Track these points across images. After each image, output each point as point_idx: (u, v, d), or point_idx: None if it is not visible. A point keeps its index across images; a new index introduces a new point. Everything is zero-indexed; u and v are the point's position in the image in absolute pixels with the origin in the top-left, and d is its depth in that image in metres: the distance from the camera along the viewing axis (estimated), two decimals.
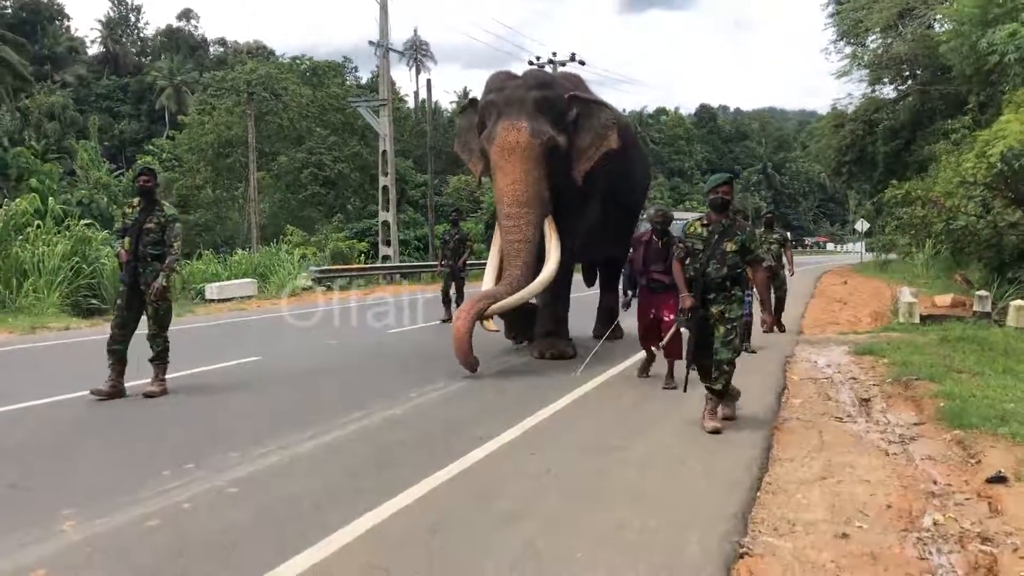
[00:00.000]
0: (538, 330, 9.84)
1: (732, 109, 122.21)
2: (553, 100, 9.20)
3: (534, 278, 8.77)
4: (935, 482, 4.74)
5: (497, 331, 9.09)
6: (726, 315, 5.95)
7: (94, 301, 16.07)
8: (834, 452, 5.36)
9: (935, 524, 4.04)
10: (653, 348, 7.90)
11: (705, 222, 6.08)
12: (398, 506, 4.28)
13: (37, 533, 3.93)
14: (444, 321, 13.22)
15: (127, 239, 7.36)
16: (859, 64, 31.89)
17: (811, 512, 4.21)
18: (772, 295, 11.47)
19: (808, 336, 11.85)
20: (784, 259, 12.12)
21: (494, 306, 8.53)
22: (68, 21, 69.77)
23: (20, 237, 16.09)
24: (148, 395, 7.26)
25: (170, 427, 6.29)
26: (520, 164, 8.80)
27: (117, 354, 7.30)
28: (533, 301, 9.58)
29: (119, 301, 7.47)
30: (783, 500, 4.41)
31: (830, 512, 4.19)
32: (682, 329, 6.48)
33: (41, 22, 64.06)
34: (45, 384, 7.87)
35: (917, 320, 12.43)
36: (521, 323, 11.17)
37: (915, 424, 6.17)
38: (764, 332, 9.34)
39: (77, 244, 16.29)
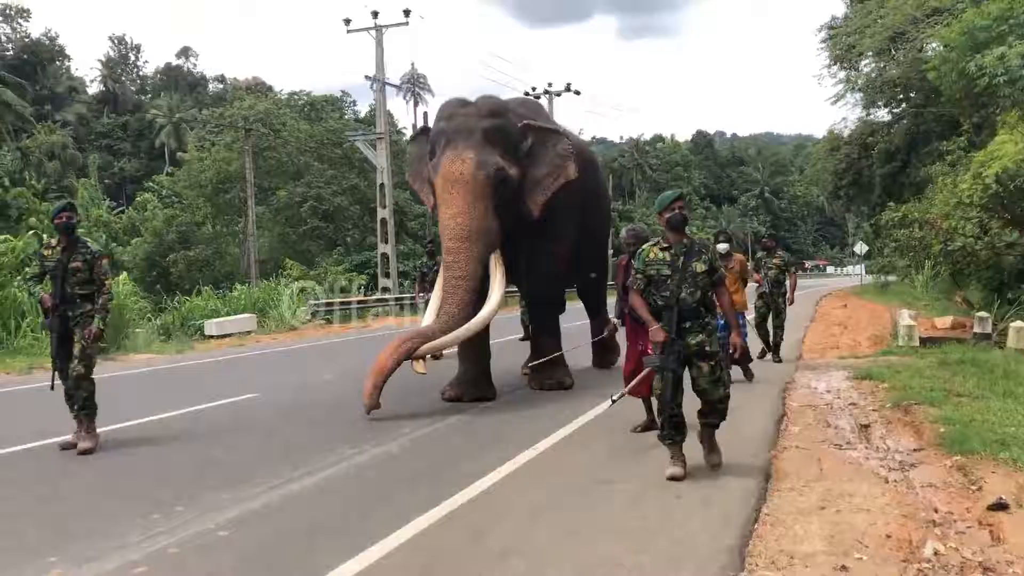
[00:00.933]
0: (533, 360, 9.61)
1: (728, 134, 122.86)
2: (505, 129, 8.80)
3: (472, 317, 8.23)
4: (936, 510, 4.66)
5: (425, 374, 8.31)
6: (707, 348, 5.31)
7: None
8: (833, 480, 5.29)
9: (936, 554, 3.96)
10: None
11: (664, 244, 5.40)
12: (390, 546, 4.21)
13: None
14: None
15: (48, 282, 6.87)
16: (853, 88, 32.09)
17: (809, 544, 4.13)
18: (768, 324, 11.48)
19: (807, 361, 11.79)
20: (786, 285, 11.47)
21: (425, 346, 8.03)
22: (68, 61, 70.25)
23: (19, 277, 16.07)
24: (83, 452, 6.57)
25: (162, 468, 6.22)
26: (463, 196, 8.35)
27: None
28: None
29: (52, 353, 6.91)
30: (781, 532, 4.33)
31: (829, 543, 4.11)
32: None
33: (42, 63, 64.53)
34: (34, 426, 7.81)
35: (917, 343, 12.37)
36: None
37: (915, 450, 6.09)
38: (734, 359, 7.70)
39: None
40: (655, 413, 5.55)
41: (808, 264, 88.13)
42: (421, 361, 8.12)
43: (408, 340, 7.97)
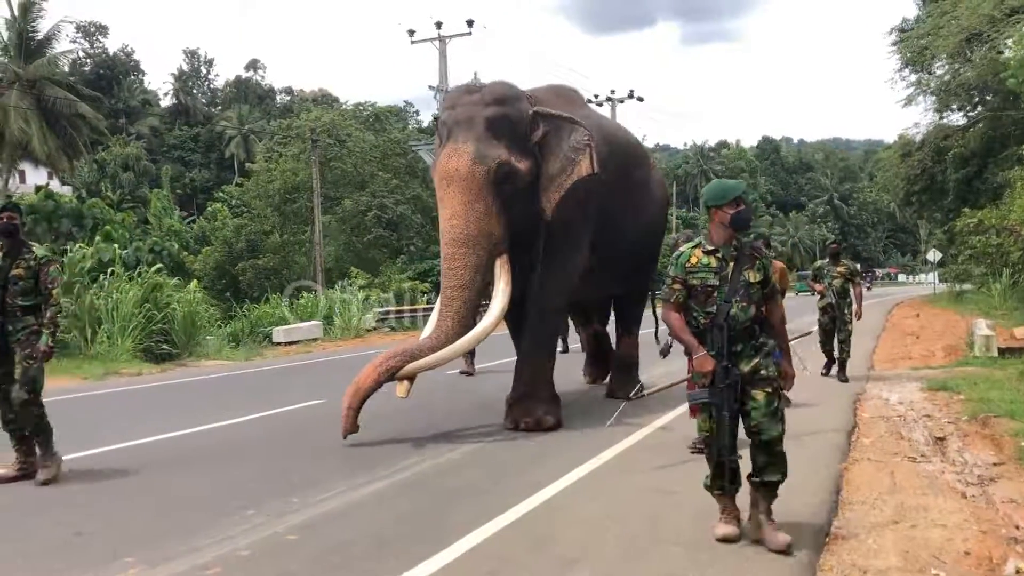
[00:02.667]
0: (512, 392, 8.04)
1: (796, 140, 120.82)
2: (512, 118, 7.73)
3: (468, 331, 7.41)
4: (1017, 527, 4.50)
5: (406, 397, 7.24)
6: (762, 373, 4.21)
7: (165, 346, 16.48)
8: (907, 494, 5.14)
9: (1018, 572, 3.82)
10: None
11: (710, 247, 4.32)
12: (455, 553, 4.22)
13: None
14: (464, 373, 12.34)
15: None
16: (925, 92, 31.26)
17: (883, 559, 4.02)
18: (835, 339, 10.48)
19: (879, 372, 11.49)
20: (851, 296, 10.48)
21: (411, 365, 7.14)
22: (142, 75, 72.55)
23: (95, 285, 16.62)
24: (44, 483, 5.90)
25: (233, 471, 6.36)
26: (460, 195, 7.41)
27: (15, 431, 6.12)
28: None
29: None
30: (853, 546, 4.22)
31: (903, 559, 3.99)
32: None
33: (117, 77, 66.76)
34: (111, 430, 8.03)
35: (995, 353, 11.96)
36: (597, 361, 10.85)
37: (994, 464, 5.88)
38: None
39: (149, 291, 16.75)
40: (706, 456, 4.45)
41: (879, 272, 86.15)
42: (406, 383, 7.19)
43: (392, 358, 7.15)
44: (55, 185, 37.04)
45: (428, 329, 7.60)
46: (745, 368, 4.20)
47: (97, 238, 20.37)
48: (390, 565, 4.04)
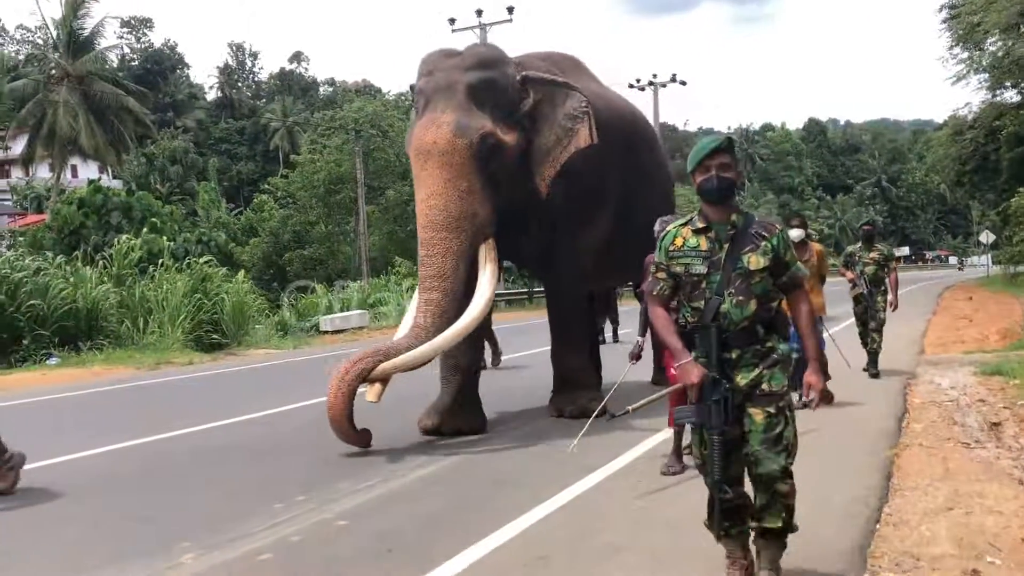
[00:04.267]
0: (555, 379, 7.84)
1: (842, 122, 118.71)
2: (497, 84, 6.93)
3: (447, 326, 6.52)
4: None
5: (377, 402, 6.38)
6: (763, 387, 3.30)
7: (215, 336, 16.76)
8: (961, 481, 5.05)
9: None
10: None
11: (699, 225, 3.39)
12: (504, 538, 4.25)
13: (159, 565, 4.08)
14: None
15: None
16: (977, 69, 30.52)
17: (937, 546, 3.95)
18: (866, 330, 9.44)
19: (930, 356, 11.28)
20: (886, 284, 9.45)
21: (385, 365, 6.30)
22: (188, 69, 73.66)
23: (145, 276, 16.96)
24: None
25: (285, 457, 6.47)
26: (439, 172, 6.62)
27: None
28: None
29: None
30: (905, 533, 4.17)
31: (958, 546, 3.93)
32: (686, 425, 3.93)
33: (163, 71, 67.84)
34: (163, 418, 8.20)
35: None
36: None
37: None
38: (803, 406, 6.68)
39: (198, 281, 17.04)
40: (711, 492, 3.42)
41: (929, 255, 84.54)
42: (377, 386, 6.34)
43: (362, 360, 6.31)
44: (106, 179, 37.76)
45: (405, 325, 6.86)
46: (742, 381, 3.28)
47: (144, 230, 20.74)
48: (439, 549, 4.08)
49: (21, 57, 52.69)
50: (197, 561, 4.11)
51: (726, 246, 3.30)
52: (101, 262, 17.17)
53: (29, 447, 6.07)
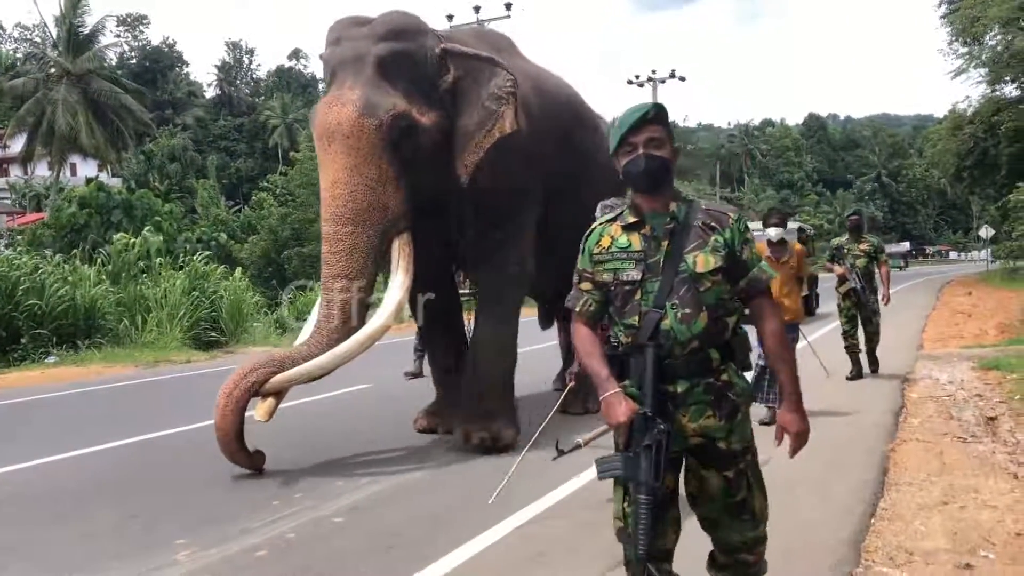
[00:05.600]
0: (465, 395, 6.52)
1: (842, 117, 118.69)
2: (413, 57, 6.02)
3: (352, 333, 5.74)
4: None
5: (268, 420, 5.56)
6: (719, 442, 2.58)
7: (213, 334, 16.75)
8: (956, 475, 5.06)
9: None
10: None
11: (631, 220, 2.64)
12: (501, 533, 4.28)
13: (157, 561, 4.09)
14: None
15: None
16: (976, 64, 30.48)
17: (931, 540, 3.97)
18: (853, 327, 8.84)
19: (929, 351, 11.29)
20: (877, 278, 8.91)
21: (279, 377, 5.52)
22: (186, 67, 73.58)
23: (144, 275, 16.95)
24: None
25: (282, 455, 6.46)
26: (345, 157, 5.76)
27: None
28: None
29: None
30: (900, 527, 4.18)
31: (952, 540, 3.94)
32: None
33: (162, 69, 67.81)
34: (161, 416, 8.21)
35: None
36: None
37: None
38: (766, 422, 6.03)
39: (196, 279, 17.02)
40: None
41: (930, 250, 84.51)
42: (270, 401, 5.54)
43: (253, 371, 5.54)
44: (104, 177, 37.75)
45: (306, 331, 6.05)
46: (691, 423, 2.51)
47: (147, 229, 20.76)
48: (439, 544, 4.10)
49: (19, 56, 52.63)
50: (192, 558, 4.13)
51: (665, 244, 2.54)
52: (99, 260, 17.17)
53: (28, 445, 6.10)
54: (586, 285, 2.67)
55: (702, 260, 2.52)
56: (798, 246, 7.26)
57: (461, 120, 6.14)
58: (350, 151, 5.76)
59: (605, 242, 2.64)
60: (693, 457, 2.60)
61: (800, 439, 2.65)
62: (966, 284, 29.79)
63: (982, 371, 9.04)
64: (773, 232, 6.83)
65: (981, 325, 14.40)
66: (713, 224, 2.58)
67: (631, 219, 2.61)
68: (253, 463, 5.72)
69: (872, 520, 4.32)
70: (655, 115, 2.57)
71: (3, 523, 4.91)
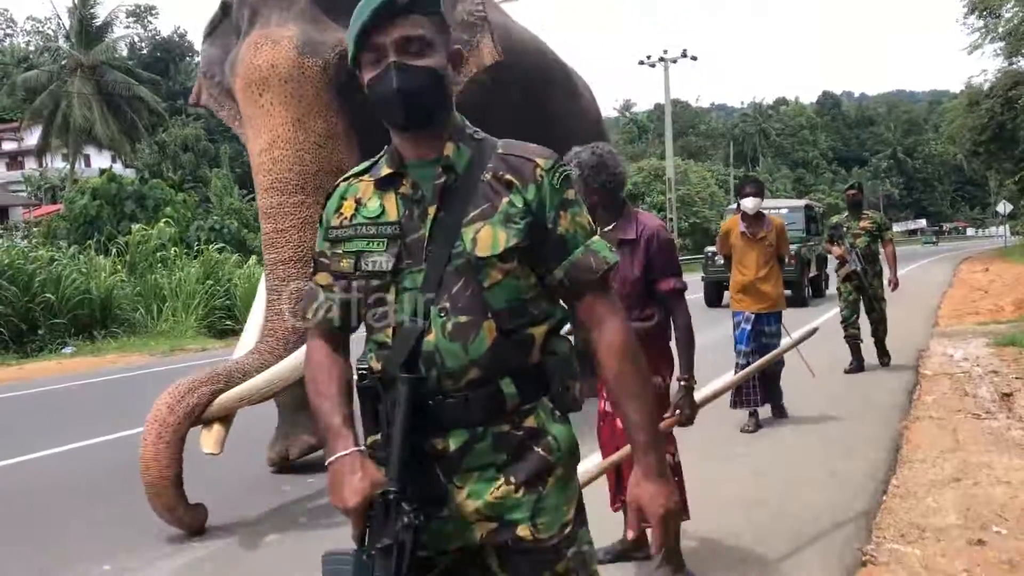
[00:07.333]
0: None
1: (856, 94, 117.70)
2: None
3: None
4: None
5: (219, 453, 4.32)
6: (520, 533, 1.57)
7: (228, 322, 16.83)
8: (970, 452, 5.02)
9: None
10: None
11: (386, 171, 1.64)
12: None
13: (172, 545, 4.15)
14: None
15: None
16: (992, 38, 30.10)
17: (943, 517, 3.94)
18: (853, 315, 7.94)
19: (944, 328, 11.20)
20: (881, 256, 8.03)
21: (225, 397, 4.30)
22: (197, 57, 73.70)
23: (159, 264, 17.06)
24: None
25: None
26: (283, 109, 4.71)
27: None
28: None
29: None
30: (912, 504, 4.15)
31: (964, 516, 3.91)
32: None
33: (174, 59, 67.91)
34: None
35: None
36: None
37: None
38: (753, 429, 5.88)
39: (210, 268, 17.11)
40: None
41: (947, 227, 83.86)
42: (216, 429, 4.33)
43: (192, 391, 4.24)
44: (118, 168, 37.93)
45: (249, 336, 4.90)
46: (472, 501, 1.58)
47: (162, 221, 20.85)
48: None
49: (31, 48, 52.90)
50: (203, 542, 4.16)
51: (432, 210, 1.58)
52: (115, 251, 17.29)
53: (48, 434, 6.15)
54: (323, 278, 1.70)
55: (486, 236, 1.55)
56: (777, 219, 6.27)
57: None
58: (290, 101, 4.70)
59: (347, 208, 1.67)
60: (480, 562, 1.61)
61: (664, 524, 1.58)
62: (983, 260, 29.55)
63: (998, 348, 8.96)
64: (750, 203, 5.96)
65: (997, 301, 14.27)
66: (509, 177, 1.59)
67: (386, 170, 1.64)
68: (193, 520, 4.25)
69: (884, 497, 4.30)
70: (411, 1, 1.56)
71: (39, 505, 4.95)
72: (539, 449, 1.58)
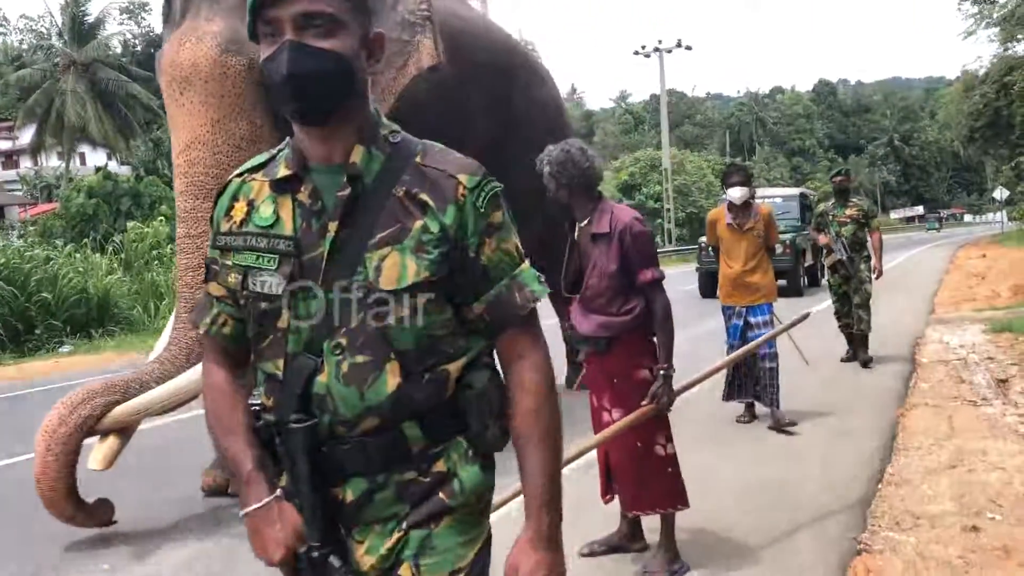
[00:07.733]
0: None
1: (853, 82, 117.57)
2: None
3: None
4: None
5: (107, 469, 4.17)
6: None
7: None
8: (966, 438, 5.04)
9: None
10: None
11: (284, 173, 1.40)
12: (493, 519, 4.28)
13: (171, 542, 4.13)
14: None
15: None
16: (988, 23, 30.09)
17: (937, 504, 3.96)
18: (845, 306, 7.78)
19: (940, 315, 11.22)
20: (868, 247, 7.74)
21: (120, 410, 4.12)
22: None
23: (156, 262, 17.04)
24: None
25: None
26: (203, 108, 4.51)
27: None
28: None
29: None
30: (907, 492, 4.17)
31: (959, 503, 3.93)
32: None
33: None
34: None
35: None
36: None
37: None
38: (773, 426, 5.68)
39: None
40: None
41: (944, 213, 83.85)
42: (111, 442, 4.17)
43: (86, 401, 4.06)
44: (114, 166, 37.86)
45: (160, 345, 4.74)
46: (367, 556, 1.38)
47: (158, 218, 20.83)
48: None
49: (24, 46, 52.70)
50: (204, 539, 4.17)
51: (334, 226, 1.35)
52: (111, 249, 17.26)
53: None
54: (215, 288, 1.47)
55: (393, 266, 1.33)
56: (765, 208, 5.95)
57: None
58: (210, 100, 4.50)
59: (238, 212, 1.43)
60: None
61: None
62: (980, 246, 29.57)
63: (994, 334, 8.98)
64: (736, 193, 5.70)
65: (994, 287, 14.29)
66: (424, 198, 1.36)
67: (283, 171, 1.41)
68: (97, 520, 4.19)
69: (879, 485, 4.31)
70: None
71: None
72: (441, 495, 1.38)
